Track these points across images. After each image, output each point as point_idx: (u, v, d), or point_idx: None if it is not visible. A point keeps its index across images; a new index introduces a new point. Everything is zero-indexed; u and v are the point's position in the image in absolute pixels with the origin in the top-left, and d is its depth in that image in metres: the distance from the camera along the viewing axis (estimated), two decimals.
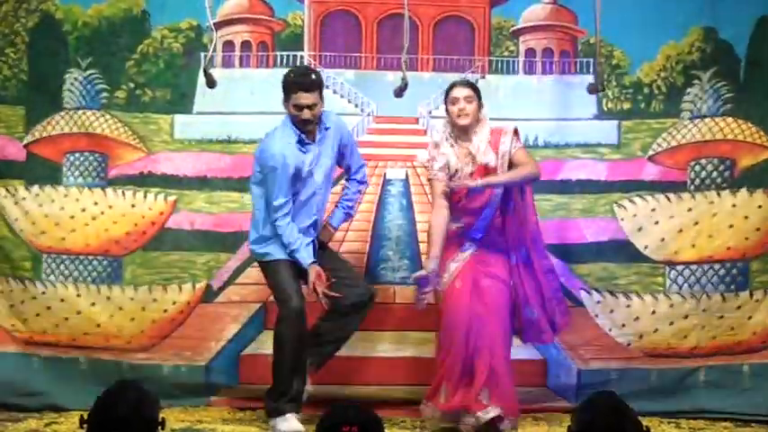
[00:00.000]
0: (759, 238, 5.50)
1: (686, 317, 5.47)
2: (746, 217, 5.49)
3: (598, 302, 5.57)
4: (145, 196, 5.59)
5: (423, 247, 5.47)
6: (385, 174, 5.66)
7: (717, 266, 5.56)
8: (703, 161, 5.57)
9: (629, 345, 5.54)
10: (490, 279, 4.95)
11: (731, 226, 5.51)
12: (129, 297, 5.52)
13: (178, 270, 5.61)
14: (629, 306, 5.50)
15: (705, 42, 5.62)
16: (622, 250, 5.60)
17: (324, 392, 5.22)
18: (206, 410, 5.42)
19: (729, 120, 5.55)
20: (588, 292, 5.59)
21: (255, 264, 5.40)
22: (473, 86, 5.03)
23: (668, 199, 5.51)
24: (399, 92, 5.37)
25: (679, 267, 5.59)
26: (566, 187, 5.64)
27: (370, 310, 5.15)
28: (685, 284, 5.56)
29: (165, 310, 5.51)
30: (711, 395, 5.47)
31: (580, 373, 5.60)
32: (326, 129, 5.11)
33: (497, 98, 5.59)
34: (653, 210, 5.53)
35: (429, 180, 5.10)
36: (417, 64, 5.77)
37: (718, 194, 5.52)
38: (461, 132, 4.96)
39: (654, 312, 5.51)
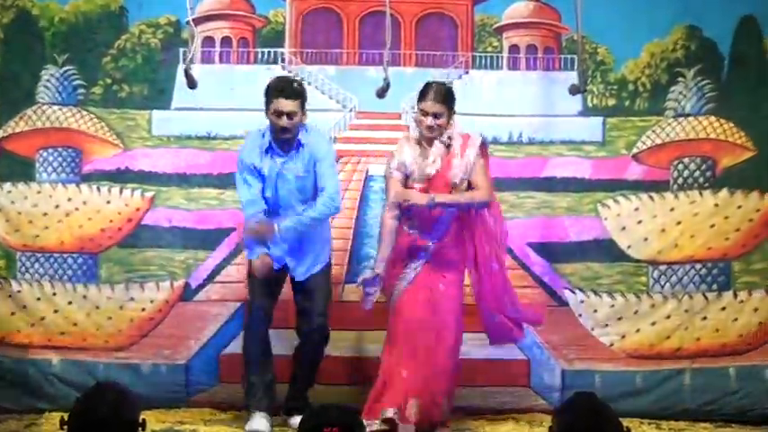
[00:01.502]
0: (739, 238, 5.60)
1: (668, 317, 5.58)
2: (727, 217, 5.57)
3: (582, 302, 5.66)
4: (121, 192, 5.59)
5: None
6: (367, 170, 5.75)
7: (698, 266, 5.68)
8: (686, 160, 5.67)
9: (611, 345, 5.58)
10: (444, 286, 4.91)
11: (712, 226, 5.62)
12: (106, 296, 5.53)
13: (156, 268, 5.65)
14: (612, 306, 5.58)
15: (689, 40, 5.77)
16: (606, 249, 5.66)
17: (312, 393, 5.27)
18: (187, 411, 5.41)
19: (712, 119, 5.65)
20: (572, 292, 5.65)
21: (235, 262, 5.46)
22: (446, 98, 4.94)
23: (651, 198, 5.61)
24: (381, 92, 5.43)
25: (662, 267, 5.68)
26: (550, 185, 5.68)
27: (318, 344, 5.13)
28: (667, 284, 5.64)
29: (143, 309, 5.53)
30: (697, 398, 5.52)
31: (564, 373, 5.70)
32: (301, 146, 5.10)
33: (481, 94, 5.63)
34: (636, 209, 5.62)
35: (385, 177, 5.05)
36: (400, 59, 5.85)
37: (701, 194, 5.62)
38: (430, 126, 4.93)
39: (636, 312, 5.56)
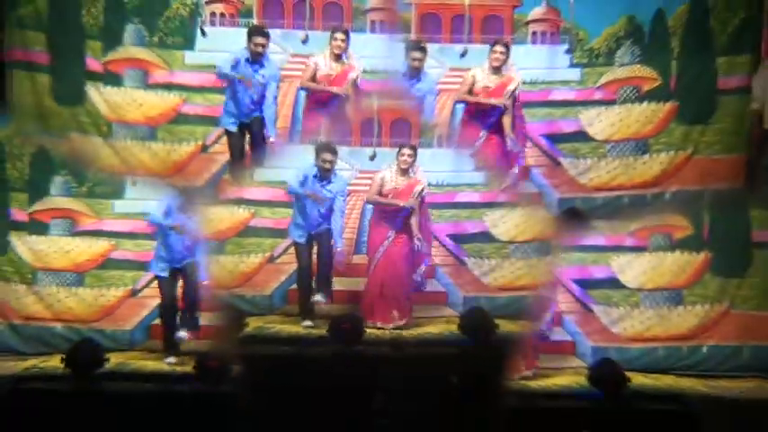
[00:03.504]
0: None
1: (520, 269, 9.09)
2: None
3: (473, 262, 9.09)
4: (238, 209, 9.00)
5: None
6: (364, 203, 9.10)
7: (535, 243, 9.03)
8: (625, 87, 9.05)
9: (488, 283, 9.03)
10: (404, 247, 8.54)
11: None
12: (232, 261, 9.00)
13: (255, 246, 9.03)
14: (489, 264, 9.10)
15: (629, 25, 9.10)
16: (486, 236, 9.06)
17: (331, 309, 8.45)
18: (270, 317, 8.78)
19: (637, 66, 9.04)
20: (467, 257, 9.11)
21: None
22: (414, 150, 8.46)
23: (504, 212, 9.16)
24: (371, 159, 9.00)
25: (515, 244, 9.11)
26: (458, 206, 9.10)
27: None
28: (520, 253, 9.11)
29: (249, 266, 8.96)
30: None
31: (464, 298, 9.03)
32: (330, 182, 8.54)
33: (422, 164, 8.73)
34: (502, 215, 9.14)
35: (372, 180, 8.56)
36: (382, 143, 9.08)
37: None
38: (403, 167, 8.54)
39: (502, 266, 9.05)
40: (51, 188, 9.09)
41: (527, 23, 9.44)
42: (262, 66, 8.56)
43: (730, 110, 9.12)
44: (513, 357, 8.14)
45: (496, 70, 8.70)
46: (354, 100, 8.84)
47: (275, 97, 8.67)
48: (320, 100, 8.85)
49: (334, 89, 8.75)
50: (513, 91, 8.72)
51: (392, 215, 8.65)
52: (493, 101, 8.58)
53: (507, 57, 8.72)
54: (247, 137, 8.76)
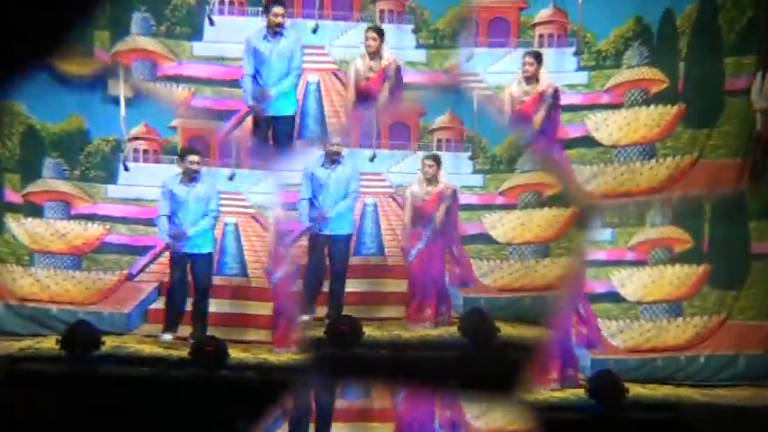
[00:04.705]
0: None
1: (517, 270, 9.10)
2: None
3: (473, 263, 9.07)
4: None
5: (384, 232, 9.25)
6: (364, 201, 9.19)
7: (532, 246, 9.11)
8: (633, 90, 9.04)
9: (488, 284, 9.06)
10: (438, 248, 8.69)
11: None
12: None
13: None
14: (488, 265, 9.13)
15: (637, 25, 8.99)
16: (484, 237, 9.12)
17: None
18: None
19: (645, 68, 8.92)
20: (470, 258, 9.08)
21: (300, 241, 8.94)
22: (437, 160, 8.65)
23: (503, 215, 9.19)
24: (371, 161, 9.06)
25: (513, 246, 9.10)
26: (461, 208, 8.98)
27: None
28: (516, 256, 9.13)
29: None
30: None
31: (465, 299, 9.01)
32: (339, 164, 8.61)
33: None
34: (499, 218, 9.15)
35: (404, 197, 8.74)
36: (381, 145, 9.12)
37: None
38: (428, 177, 8.67)
39: (501, 269, 9.07)
40: (44, 171, 9.09)
41: (533, 26, 9.37)
42: (282, 37, 8.66)
43: (736, 112, 9.14)
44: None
45: (529, 81, 8.78)
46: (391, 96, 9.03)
47: (299, 66, 8.79)
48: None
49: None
50: (550, 96, 8.90)
51: (427, 217, 8.82)
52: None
53: (538, 66, 8.79)
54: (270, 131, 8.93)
